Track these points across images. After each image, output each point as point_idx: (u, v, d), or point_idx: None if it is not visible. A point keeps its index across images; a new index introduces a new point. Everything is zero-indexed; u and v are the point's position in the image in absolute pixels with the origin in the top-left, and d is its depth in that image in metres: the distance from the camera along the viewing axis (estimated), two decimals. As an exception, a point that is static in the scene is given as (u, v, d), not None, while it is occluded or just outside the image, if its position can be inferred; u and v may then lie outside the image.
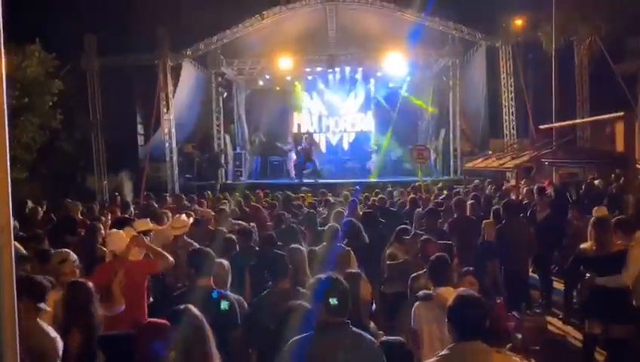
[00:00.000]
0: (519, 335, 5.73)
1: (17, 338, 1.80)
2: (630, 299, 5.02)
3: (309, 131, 24.01)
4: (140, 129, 22.37)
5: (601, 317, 5.02)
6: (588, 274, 5.07)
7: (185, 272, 4.84)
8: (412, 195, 10.85)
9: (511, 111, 19.18)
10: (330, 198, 10.97)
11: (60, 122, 15.76)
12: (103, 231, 6.21)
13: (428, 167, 18.21)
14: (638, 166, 10.59)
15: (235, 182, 20.10)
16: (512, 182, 14.17)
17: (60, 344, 3.26)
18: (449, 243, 5.60)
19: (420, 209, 8.97)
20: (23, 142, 14.61)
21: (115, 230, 5.50)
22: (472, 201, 8.73)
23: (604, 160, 12.76)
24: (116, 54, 19.23)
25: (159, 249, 4.98)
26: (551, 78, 15.42)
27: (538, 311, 7.53)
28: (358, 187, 13.98)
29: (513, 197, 10.46)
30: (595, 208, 7.73)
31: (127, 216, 8.08)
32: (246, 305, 4.44)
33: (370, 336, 3.03)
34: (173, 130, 19.65)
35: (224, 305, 4.04)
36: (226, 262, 4.67)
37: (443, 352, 2.81)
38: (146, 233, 5.67)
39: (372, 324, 4.59)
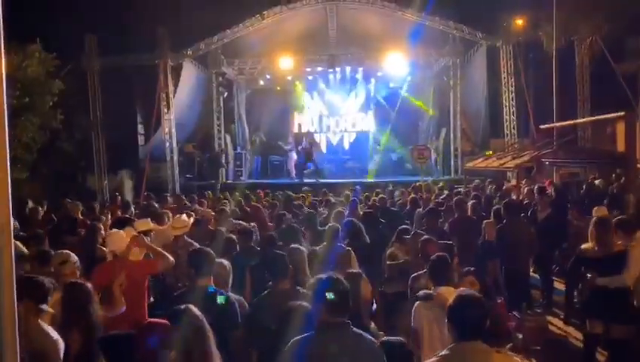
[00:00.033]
0: (520, 335, 5.74)
1: (17, 339, 1.79)
2: (631, 300, 5.02)
3: (310, 131, 24.01)
4: (140, 129, 22.36)
5: (601, 317, 5.01)
6: (589, 275, 5.06)
7: (185, 272, 4.84)
8: (413, 195, 10.85)
9: (512, 111, 19.16)
10: (331, 198, 10.97)
11: (60, 122, 15.77)
12: (102, 231, 6.20)
13: (428, 166, 18.21)
14: (638, 166, 10.58)
15: (235, 182, 20.09)
16: (513, 181, 14.17)
17: (62, 345, 3.25)
18: (449, 243, 5.60)
19: (421, 209, 8.96)
20: (23, 142, 14.62)
21: (115, 230, 5.50)
22: (473, 201, 8.72)
23: (605, 160, 12.75)
24: (117, 54, 19.24)
25: (159, 249, 4.98)
26: (551, 78, 15.41)
27: (539, 310, 7.52)
28: (358, 187, 13.97)
29: (514, 197, 10.46)
30: (596, 208, 7.74)
31: (127, 216, 8.09)
32: (247, 305, 4.44)
33: (370, 337, 3.03)
34: (173, 130, 19.65)
35: (220, 299, 4.05)
36: (227, 262, 4.67)
37: (443, 352, 2.80)
38: (146, 233, 5.67)
39: (372, 324, 4.59)
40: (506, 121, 19.22)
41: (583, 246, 5.32)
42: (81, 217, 8.62)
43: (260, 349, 3.88)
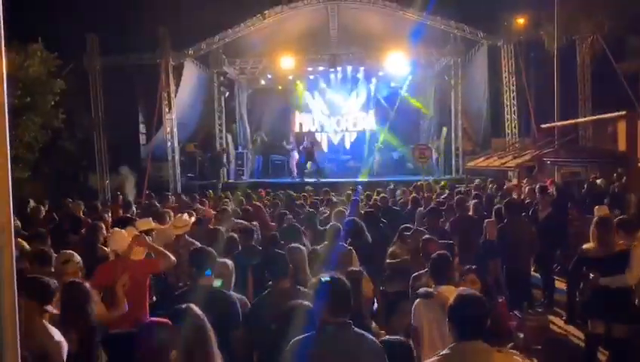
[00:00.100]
0: (521, 335, 5.73)
1: (18, 339, 1.79)
2: (633, 299, 5.01)
3: (311, 130, 24.02)
4: (142, 128, 22.38)
5: (603, 317, 5.00)
6: (591, 275, 5.05)
7: (186, 271, 4.84)
8: (414, 194, 10.84)
9: (513, 110, 19.14)
10: (333, 198, 10.96)
11: (62, 121, 15.80)
12: (104, 231, 6.20)
13: (430, 166, 18.20)
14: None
15: (237, 182, 20.09)
16: (514, 181, 14.17)
17: (65, 347, 3.24)
18: (450, 243, 5.59)
19: (422, 208, 8.95)
20: (25, 141, 14.64)
21: (117, 229, 5.51)
22: (475, 201, 8.72)
23: (606, 159, 12.74)
24: (118, 54, 19.26)
25: (161, 248, 4.99)
26: (553, 77, 15.40)
27: (540, 310, 7.51)
28: (359, 186, 13.97)
29: (515, 196, 10.45)
30: (597, 207, 7.73)
31: (129, 215, 8.10)
32: (249, 304, 4.44)
33: (371, 336, 3.02)
34: (175, 130, 19.66)
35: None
36: (229, 262, 4.67)
37: (444, 352, 2.80)
38: (147, 232, 5.68)
39: (374, 324, 4.58)
40: (507, 121, 19.20)
41: (585, 246, 5.31)
42: (82, 216, 8.62)
43: (261, 349, 3.88)
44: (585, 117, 17.14)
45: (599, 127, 16.85)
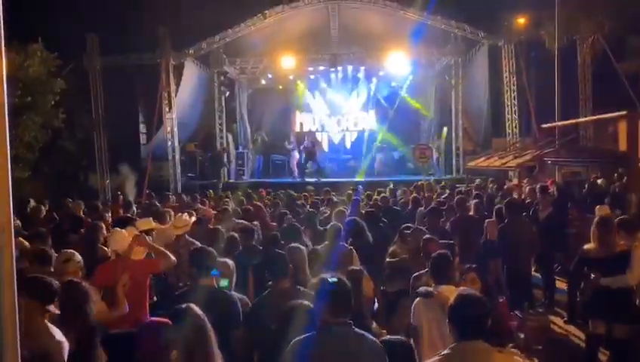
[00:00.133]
0: (522, 335, 5.72)
1: (18, 339, 1.79)
2: (633, 299, 5.00)
3: (312, 130, 24.02)
4: (142, 128, 22.39)
5: (604, 317, 5.00)
6: (592, 275, 5.05)
7: (186, 271, 4.84)
8: (414, 194, 10.83)
9: (513, 110, 19.13)
10: (334, 197, 10.96)
11: (62, 121, 15.81)
12: (104, 231, 6.19)
13: (430, 166, 18.20)
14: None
15: (237, 181, 20.10)
16: (515, 181, 14.16)
17: (66, 347, 3.24)
18: (450, 243, 5.59)
19: (423, 208, 8.95)
20: (25, 141, 14.64)
21: (117, 229, 5.50)
22: (476, 201, 8.72)
23: (607, 159, 12.73)
24: (118, 53, 19.27)
25: (161, 248, 4.98)
26: (553, 77, 15.40)
27: (541, 310, 7.52)
28: (360, 186, 13.97)
29: (516, 196, 10.44)
30: (598, 207, 7.72)
31: (129, 215, 8.10)
32: (250, 304, 4.44)
33: (372, 337, 3.02)
34: (175, 129, 19.67)
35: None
36: (230, 262, 4.67)
37: (444, 352, 2.80)
38: (148, 232, 5.67)
39: (374, 324, 4.58)
40: (508, 120, 19.19)
41: (586, 246, 5.31)
42: (83, 216, 8.62)
43: (261, 349, 3.88)
44: (585, 117, 17.15)
45: (600, 126, 16.85)
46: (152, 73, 19.39)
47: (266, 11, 18.87)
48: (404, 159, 22.45)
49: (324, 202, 10.61)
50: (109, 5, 19.20)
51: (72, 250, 4.61)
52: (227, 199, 11.66)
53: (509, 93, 19.14)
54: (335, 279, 2.96)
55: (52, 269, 4.41)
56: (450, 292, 3.37)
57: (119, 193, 13.80)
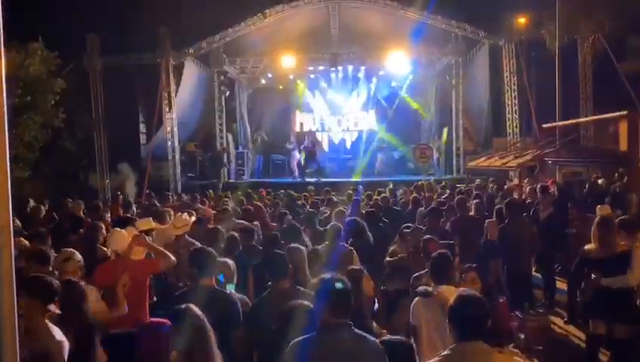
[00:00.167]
0: (522, 335, 5.72)
1: (17, 339, 1.79)
2: (634, 300, 5.00)
3: (312, 130, 24.01)
4: (142, 128, 22.38)
5: (604, 317, 5.00)
6: (593, 275, 5.04)
7: (186, 271, 4.83)
8: (414, 194, 10.83)
9: (514, 109, 19.12)
10: (334, 197, 10.96)
11: (62, 121, 15.80)
12: (104, 231, 6.19)
13: (430, 165, 18.18)
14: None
15: (237, 181, 20.09)
16: (515, 181, 14.16)
17: (66, 347, 3.23)
18: (451, 243, 5.59)
19: (423, 208, 8.94)
20: (25, 140, 14.64)
21: (117, 229, 5.50)
22: (477, 201, 8.71)
23: (608, 159, 12.73)
24: (118, 53, 19.27)
25: (161, 248, 4.98)
26: (554, 77, 15.39)
27: (541, 310, 7.51)
28: (360, 186, 13.96)
29: (516, 196, 10.44)
30: (599, 207, 7.71)
31: (129, 215, 8.09)
32: (250, 304, 4.43)
33: (372, 338, 3.01)
34: (175, 129, 19.67)
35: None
36: (231, 262, 4.67)
37: (445, 352, 2.80)
38: (148, 232, 5.67)
39: (374, 324, 4.57)
40: (509, 120, 19.18)
41: (587, 247, 5.30)
42: (82, 216, 8.62)
43: (261, 349, 3.87)
44: (586, 116, 17.14)
45: (600, 126, 16.84)
46: (152, 73, 19.39)
47: (266, 11, 18.87)
48: (405, 159, 22.45)
49: (325, 202, 10.60)
50: (109, 5, 19.21)
51: (72, 249, 4.61)
52: (227, 199, 11.65)
53: (509, 92, 19.13)
54: (335, 279, 2.95)
55: (50, 268, 4.40)
56: (450, 293, 3.37)
57: (119, 193, 13.79)
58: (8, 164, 1.80)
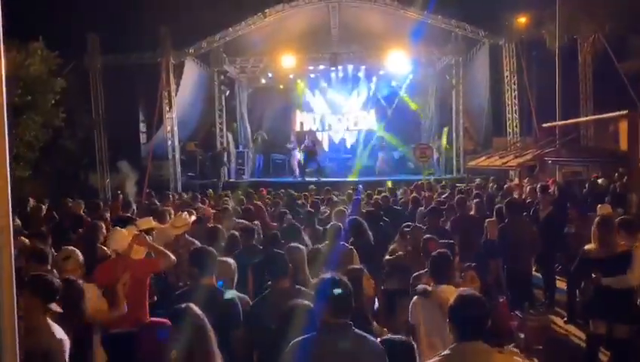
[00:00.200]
0: (522, 335, 5.71)
1: (17, 339, 1.79)
2: (635, 300, 5.00)
3: (312, 129, 24.01)
4: (142, 127, 22.40)
5: (605, 317, 5.00)
6: (593, 275, 5.04)
7: (187, 271, 4.83)
8: (414, 194, 10.82)
9: (514, 109, 19.12)
10: (335, 197, 10.96)
11: (62, 120, 15.81)
12: (104, 230, 6.19)
13: (431, 165, 18.18)
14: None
15: (237, 181, 20.08)
16: (515, 180, 14.16)
17: (67, 345, 3.24)
18: (451, 243, 5.58)
19: (423, 208, 8.94)
20: (25, 140, 14.65)
21: (117, 228, 5.50)
22: (477, 200, 8.71)
23: (608, 158, 12.73)
24: (119, 53, 19.27)
25: (161, 248, 4.98)
26: (554, 76, 15.39)
27: (541, 310, 7.51)
28: (360, 186, 13.97)
29: (516, 195, 10.43)
30: (599, 206, 7.71)
31: (129, 214, 8.08)
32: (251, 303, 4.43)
33: (372, 338, 3.01)
34: (175, 128, 19.66)
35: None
36: (232, 261, 4.66)
37: (444, 352, 2.80)
38: (148, 231, 5.66)
39: (375, 324, 4.57)
40: (509, 120, 19.18)
41: (587, 246, 5.29)
42: (83, 215, 8.61)
43: (261, 349, 3.87)
44: (586, 116, 17.14)
45: (601, 126, 16.85)
46: (152, 72, 19.38)
47: (266, 10, 18.85)
48: (405, 159, 22.45)
49: (325, 202, 10.60)
50: (110, 5, 19.20)
51: (72, 248, 4.61)
52: (227, 198, 11.65)
53: (509, 92, 19.13)
54: (336, 279, 2.95)
55: (49, 267, 4.41)
56: (450, 292, 3.37)
57: (119, 192, 13.79)
58: (8, 165, 1.80)
